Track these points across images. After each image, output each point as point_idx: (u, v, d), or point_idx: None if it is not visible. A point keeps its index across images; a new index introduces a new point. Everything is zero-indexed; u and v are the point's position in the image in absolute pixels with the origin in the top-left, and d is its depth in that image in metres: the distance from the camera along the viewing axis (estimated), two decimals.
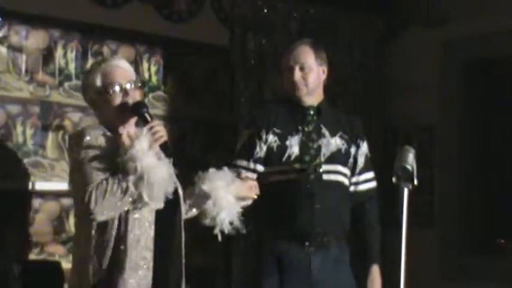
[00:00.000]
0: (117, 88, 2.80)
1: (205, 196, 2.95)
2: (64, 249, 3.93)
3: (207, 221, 3.00)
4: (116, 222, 2.73)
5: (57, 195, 3.93)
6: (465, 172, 5.05)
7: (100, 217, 2.69)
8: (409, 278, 2.63)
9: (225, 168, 3.01)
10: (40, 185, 3.89)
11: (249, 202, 3.10)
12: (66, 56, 4.00)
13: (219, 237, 2.91)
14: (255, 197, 3.10)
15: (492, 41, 4.88)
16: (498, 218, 4.96)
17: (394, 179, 3.38)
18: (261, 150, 3.33)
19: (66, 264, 3.87)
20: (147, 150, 2.68)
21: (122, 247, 2.71)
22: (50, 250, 3.90)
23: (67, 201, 3.95)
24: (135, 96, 2.84)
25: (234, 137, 4.61)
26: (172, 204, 2.83)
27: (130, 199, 2.68)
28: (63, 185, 3.94)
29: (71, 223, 3.95)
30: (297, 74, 3.33)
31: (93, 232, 2.72)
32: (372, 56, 5.24)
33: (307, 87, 3.34)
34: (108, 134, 2.78)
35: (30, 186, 3.87)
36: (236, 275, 4.52)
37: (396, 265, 2.76)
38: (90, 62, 4.06)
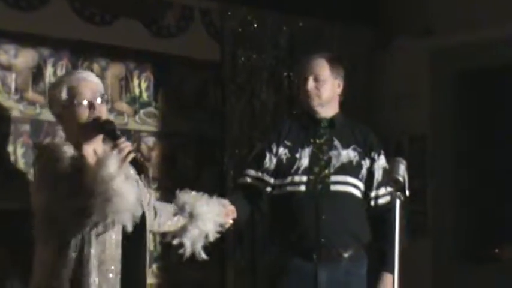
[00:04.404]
0: (84, 102, 2.72)
1: (192, 219, 2.97)
2: None
3: (179, 240, 3.00)
4: (77, 243, 2.65)
5: None
6: (457, 181, 5.05)
7: (63, 238, 2.62)
8: (404, 286, 2.63)
9: (214, 197, 3.05)
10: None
11: (226, 227, 3.13)
12: (56, 74, 3.99)
13: (184, 257, 2.91)
14: (231, 222, 3.15)
15: (481, 51, 4.90)
16: (491, 226, 4.96)
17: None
18: (270, 162, 3.37)
19: None
20: (116, 173, 2.57)
21: (82, 268, 2.64)
22: None
23: None
24: (101, 110, 2.75)
25: (225, 152, 4.62)
26: (138, 227, 2.74)
27: (93, 221, 2.60)
28: None
29: None
30: (311, 84, 3.37)
31: (51, 254, 2.66)
32: (361, 67, 5.25)
33: (319, 97, 3.37)
34: (73, 152, 2.69)
35: (21, 206, 3.85)
36: None
37: None
38: None
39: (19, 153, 3.87)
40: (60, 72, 4.01)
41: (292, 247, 3.29)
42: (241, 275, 4.56)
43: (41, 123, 3.93)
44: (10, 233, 3.77)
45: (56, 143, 2.78)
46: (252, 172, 3.39)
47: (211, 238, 2.98)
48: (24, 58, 3.91)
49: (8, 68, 3.85)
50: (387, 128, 5.15)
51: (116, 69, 4.22)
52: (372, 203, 3.39)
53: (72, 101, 2.72)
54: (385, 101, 5.24)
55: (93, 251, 2.65)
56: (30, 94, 3.92)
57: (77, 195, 2.58)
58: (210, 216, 3.01)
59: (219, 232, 3.02)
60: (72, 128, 2.73)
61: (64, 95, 2.73)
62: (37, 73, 3.95)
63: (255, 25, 4.78)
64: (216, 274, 4.38)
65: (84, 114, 2.70)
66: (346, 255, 3.30)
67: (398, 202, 2.66)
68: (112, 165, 2.56)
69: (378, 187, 3.39)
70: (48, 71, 3.98)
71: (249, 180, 3.38)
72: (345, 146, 3.36)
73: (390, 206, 3.35)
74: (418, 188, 4.85)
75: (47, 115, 3.95)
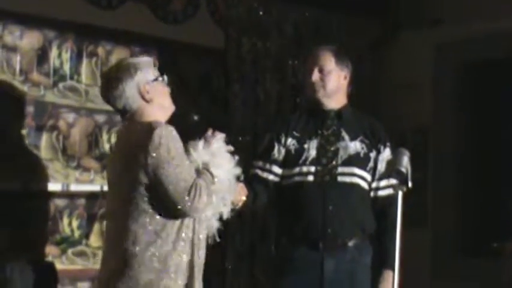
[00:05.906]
0: (163, 79, 3.01)
1: None
2: (58, 250, 3.93)
3: None
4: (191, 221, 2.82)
5: (51, 195, 3.92)
6: (458, 173, 5.06)
7: (199, 213, 2.78)
8: (402, 277, 2.64)
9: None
10: (34, 186, 3.88)
11: (239, 205, 3.14)
12: (61, 57, 3.99)
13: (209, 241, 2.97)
14: (244, 198, 3.16)
15: (484, 44, 4.91)
16: (491, 219, 4.98)
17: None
18: (279, 153, 3.39)
19: (60, 265, 3.88)
20: (223, 151, 2.94)
21: (192, 247, 2.81)
22: (44, 251, 3.89)
23: (61, 202, 3.95)
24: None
25: (228, 139, 4.62)
26: None
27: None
28: (57, 186, 3.95)
29: (64, 223, 3.95)
30: (315, 75, 3.37)
31: (169, 229, 2.77)
32: (366, 58, 5.25)
33: (324, 89, 3.37)
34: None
35: (24, 187, 3.86)
36: (230, 275, 4.53)
37: None
38: (84, 62, 4.07)
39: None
40: (65, 54, 4.01)
41: (299, 236, 3.32)
42: (240, 261, 4.58)
43: (45, 105, 3.94)
44: (11, 213, 3.79)
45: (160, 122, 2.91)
46: (260, 163, 3.41)
47: (225, 217, 3.00)
48: (30, 39, 3.91)
49: (13, 49, 3.85)
50: (391, 119, 5.15)
51: (120, 54, 4.21)
52: (373, 194, 3.41)
53: (160, 78, 2.99)
54: (389, 92, 5.24)
55: (200, 230, 2.85)
56: (35, 76, 3.92)
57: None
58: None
59: (232, 210, 3.03)
60: (158, 103, 2.94)
61: (151, 75, 2.97)
62: (42, 55, 3.94)
63: (261, 13, 4.77)
64: (217, 260, 4.40)
65: (167, 90, 3.00)
66: (351, 244, 3.33)
67: (400, 194, 2.66)
68: (224, 148, 2.98)
69: (380, 179, 3.41)
70: (53, 53, 3.98)
71: (258, 171, 3.40)
72: (353, 138, 3.38)
73: (391, 199, 3.38)
74: (419, 180, 4.86)
75: (51, 97, 3.98)
